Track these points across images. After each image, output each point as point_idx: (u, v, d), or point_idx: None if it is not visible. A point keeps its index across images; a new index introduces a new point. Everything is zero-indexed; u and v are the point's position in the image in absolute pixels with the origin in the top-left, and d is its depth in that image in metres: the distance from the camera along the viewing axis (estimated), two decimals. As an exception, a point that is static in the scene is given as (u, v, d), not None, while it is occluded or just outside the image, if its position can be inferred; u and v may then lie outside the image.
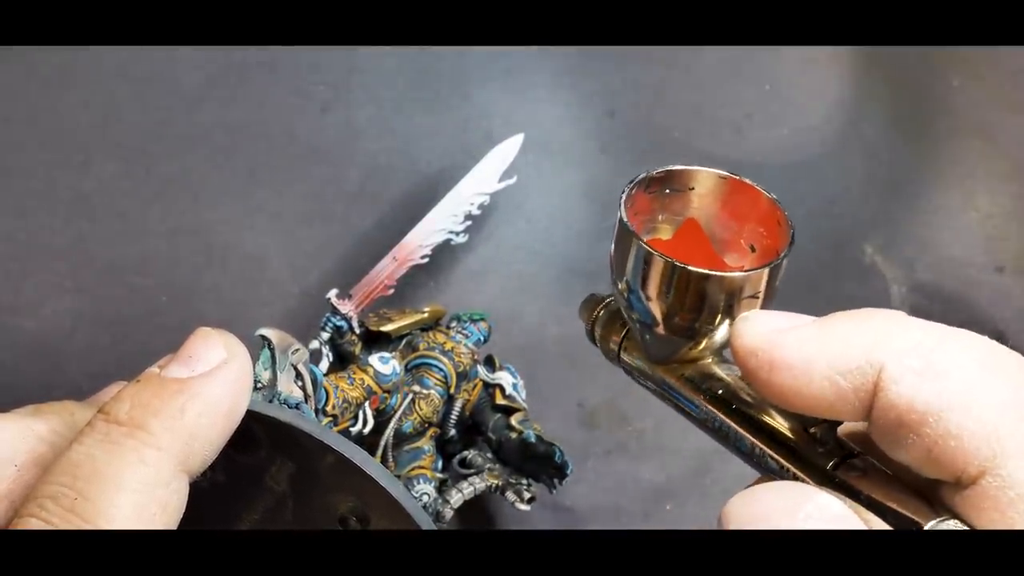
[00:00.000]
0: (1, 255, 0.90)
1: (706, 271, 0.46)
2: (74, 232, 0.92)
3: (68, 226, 0.92)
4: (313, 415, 0.62)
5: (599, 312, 0.57)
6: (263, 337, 0.61)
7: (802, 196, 1.01)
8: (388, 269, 0.83)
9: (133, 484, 0.42)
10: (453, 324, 0.81)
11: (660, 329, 0.50)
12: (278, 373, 0.58)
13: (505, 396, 0.80)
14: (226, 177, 0.96)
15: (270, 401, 0.56)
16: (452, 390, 0.76)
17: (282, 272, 0.93)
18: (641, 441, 0.88)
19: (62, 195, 0.93)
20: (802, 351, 0.43)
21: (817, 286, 0.96)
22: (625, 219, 0.48)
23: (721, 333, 0.49)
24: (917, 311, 0.93)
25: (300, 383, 0.61)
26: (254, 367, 0.49)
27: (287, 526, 0.53)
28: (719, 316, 0.48)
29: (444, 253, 0.87)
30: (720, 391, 0.50)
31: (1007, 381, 0.40)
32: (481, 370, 0.80)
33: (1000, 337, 0.91)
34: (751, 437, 0.47)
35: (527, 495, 0.75)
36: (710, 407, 0.50)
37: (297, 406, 0.56)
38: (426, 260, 0.84)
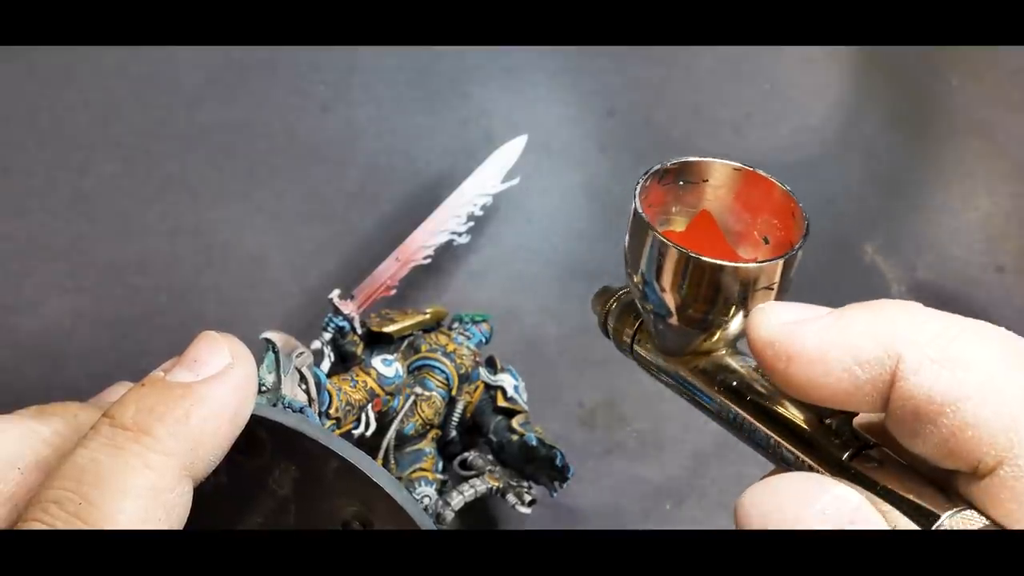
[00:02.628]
0: (1, 255, 0.90)
1: (721, 262, 0.46)
2: (74, 232, 0.92)
3: (68, 226, 0.92)
4: (317, 419, 0.62)
5: (612, 304, 0.57)
6: (267, 340, 0.61)
7: (802, 196, 1.00)
8: (391, 270, 0.83)
9: (138, 489, 0.42)
10: (455, 325, 0.81)
11: (674, 320, 0.49)
12: (282, 376, 0.58)
13: (507, 398, 0.79)
14: (226, 177, 0.96)
15: (274, 405, 0.56)
16: (454, 392, 0.76)
17: (282, 272, 0.93)
18: (640, 441, 0.88)
19: (62, 195, 0.93)
20: (819, 342, 0.43)
21: (817, 286, 0.95)
22: (640, 210, 0.48)
23: (735, 325, 0.48)
24: (917, 311, 0.93)
25: (304, 386, 0.61)
26: (258, 370, 0.49)
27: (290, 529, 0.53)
28: (733, 308, 0.47)
29: (445, 253, 0.87)
30: (734, 383, 0.49)
31: None
32: (483, 372, 0.80)
33: (1000, 337, 0.92)
34: (766, 428, 0.47)
35: (528, 497, 0.75)
36: (724, 399, 0.49)
37: (301, 410, 0.55)
38: (428, 261, 0.84)
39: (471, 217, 0.87)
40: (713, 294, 0.47)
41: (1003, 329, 0.42)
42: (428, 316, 0.81)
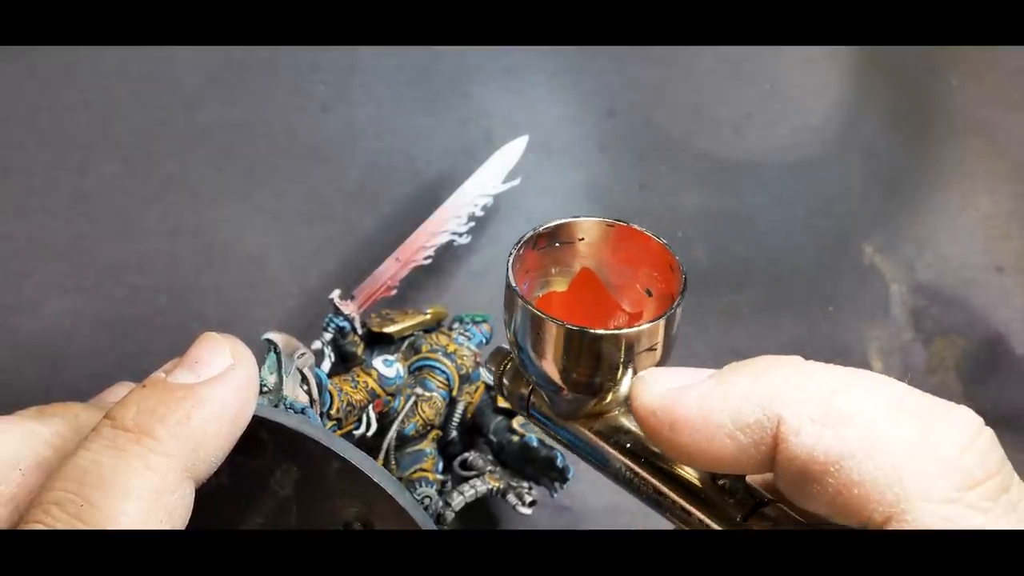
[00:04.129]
0: (1, 255, 0.90)
1: (599, 331, 0.46)
2: (74, 232, 0.92)
3: (68, 226, 0.92)
4: (319, 420, 0.62)
5: (506, 365, 0.57)
6: (269, 341, 0.61)
7: (802, 196, 1.01)
8: (391, 270, 0.83)
9: (139, 491, 0.42)
10: (455, 326, 0.81)
11: (560, 388, 0.49)
12: (284, 377, 0.58)
13: (507, 399, 0.79)
14: (226, 177, 0.96)
15: (276, 406, 0.56)
16: (454, 392, 0.76)
17: (282, 272, 0.93)
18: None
19: (62, 195, 0.93)
20: (700, 409, 0.43)
21: (817, 286, 0.96)
22: (513, 283, 0.48)
23: (625, 385, 0.48)
24: (917, 311, 0.94)
25: (306, 387, 0.61)
26: (260, 371, 0.49)
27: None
28: (619, 370, 0.47)
29: (445, 253, 0.87)
30: (629, 444, 0.49)
31: (911, 420, 0.40)
32: (483, 372, 0.80)
33: (1000, 337, 0.92)
34: (663, 488, 0.47)
35: (528, 498, 0.75)
36: (622, 459, 0.49)
37: (303, 411, 0.56)
38: (429, 261, 0.84)
39: (472, 217, 0.87)
40: (595, 362, 0.47)
41: (884, 377, 0.42)
42: (429, 316, 0.81)
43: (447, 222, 0.86)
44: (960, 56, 1.07)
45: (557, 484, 0.76)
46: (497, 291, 0.92)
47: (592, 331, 0.46)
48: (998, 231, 1.00)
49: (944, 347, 0.92)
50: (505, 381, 0.57)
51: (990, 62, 1.07)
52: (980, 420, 0.41)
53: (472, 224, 0.86)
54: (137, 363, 0.86)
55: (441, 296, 0.92)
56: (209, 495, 0.46)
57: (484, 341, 0.81)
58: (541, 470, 0.76)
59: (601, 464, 0.51)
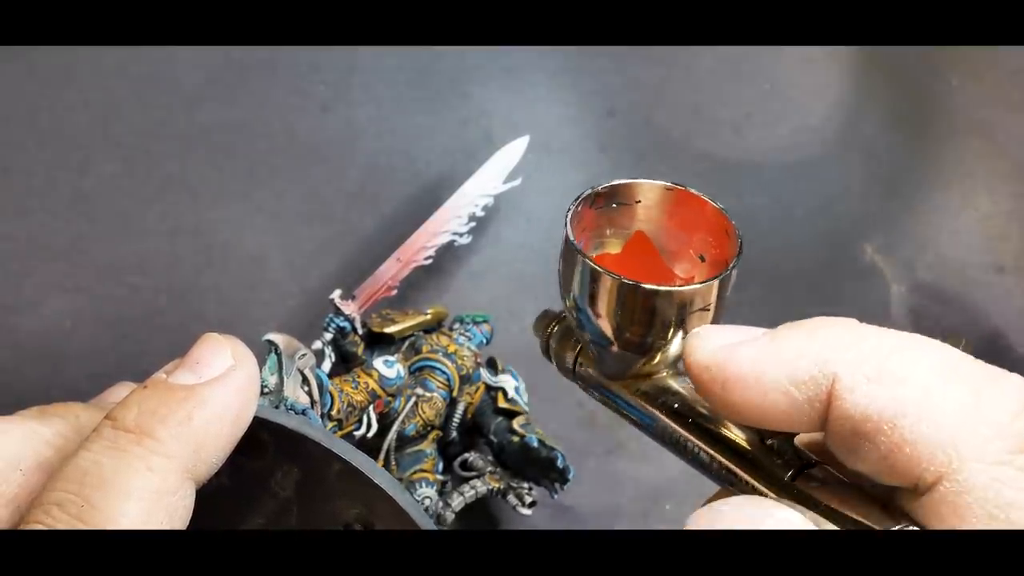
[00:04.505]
0: (1, 255, 0.90)
1: (654, 286, 0.46)
2: (74, 232, 0.92)
3: (68, 226, 0.92)
4: (319, 421, 0.62)
5: (553, 328, 0.57)
6: (270, 342, 0.61)
7: (802, 196, 1.01)
8: (392, 270, 0.83)
9: (140, 492, 0.42)
10: (456, 326, 0.81)
11: (612, 346, 0.49)
12: (285, 378, 0.58)
13: (507, 400, 0.79)
14: (226, 177, 0.96)
15: (276, 407, 0.56)
16: (455, 393, 0.76)
17: (282, 272, 0.93)
18: (641, 441, 0.88)
19: (62, 195, 0.93)
20: (754, 365, 0.43)
21: (817, 286, 0.96)
22: (572, 237, 0.48)
23: (675, 347, 0.48)
24: (917, 311, 0.94)
25: (307, 388, 0.61)
26: (261, 372, 0.49)
27: (291, 532, 0.53)
28: (671, 330, 0.47)
29: (445, 254, 0.87)
30: (676, 405, 0.49)
31: (964, 385, 0.40)
32: (484, 373, 0.80)
33: (1000, 337, 0.92)
34: (709, 450, 0.47)
35: (528, 499, 0.75)
36: (667, 421, 0.49)
37: (304, 412, 0.55)
38: (430, 261, 0.84)
39: (472, 218, 0.87)
40: (648, 318, 0.47)
41: (938, 342, 0.42)
42: (429, 317, 0.81)
43: (448, 222, 0.86)
44: (960, 56, 1.07)
45: (557, 485, 0.76)
46: (496, 290, 0.93)
47: (647, 286, 0.46)
48: (998, 231, 1.00)
49: (944, 347, 0.92)
50: (552, 344, 0.56)
51: (990, 62, 1.07)
52: None
53: (473, 224, 0.86)
54: (137, 363, 0.86)
55: (441, 296, 0.92)
56: (210, 496, 0.46)
57: (484, 342, 0.81)
58: (541, 471, 0.76)
59: (647, 425, 0.50)
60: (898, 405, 0.40)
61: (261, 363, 0.50)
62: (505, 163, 0.89)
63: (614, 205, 0.51)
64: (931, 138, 1.05)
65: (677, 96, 1.05)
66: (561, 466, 0.75)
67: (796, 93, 1.06)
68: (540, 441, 0.76)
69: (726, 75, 1.06)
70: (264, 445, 0.50)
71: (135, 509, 0.41)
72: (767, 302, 0.95)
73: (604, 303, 0.47)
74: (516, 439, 0.76)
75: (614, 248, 0.52)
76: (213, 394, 0.46)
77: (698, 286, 0.46)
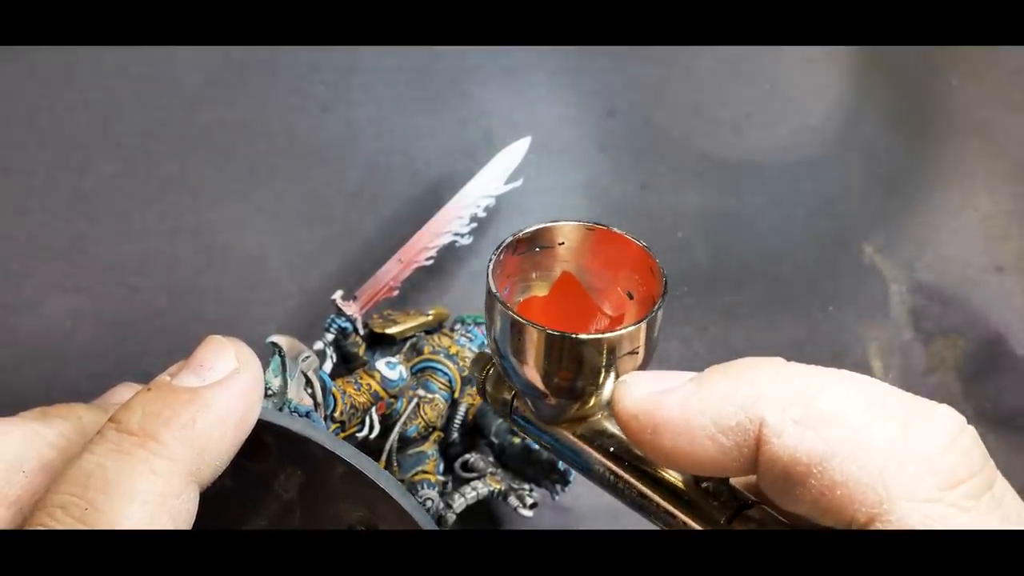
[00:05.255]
0: (1, 255, 0.90)
1: (580, 336, 0.46)
2: (74, 232, 0.92)
3: (68, 226, 0.92)
4: (323, 424, 0.62)
5: (489, 370, 0.57)
6: (274, 344, 0.61)
7: (802, 196, 1.01)
8: (393, 271, 0.82)
9: (144, 495, 0.42)
10: (457, 327, 0.81)
11: (543, 394, 0.49)
12: (288, 380, 0.58)
13: (510, 401, 0.79)
14: (226, 177, 0.96)
15: (280, 409, 0.56)
16: (456, 395, 0.76)
17: (282, 272, 0.93)
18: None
19: (62, 195, 0.93)
20: (681, 412, 0.43)
21: (817, 286, 0.96)
22: (493, 288, 0.48)
23: (608, 389, 0.48)
24: (917, 311, 0.94)
25: (310, 390, 0.61)
26: (265, 374, 0.49)
27: (294, 533, 0.53)
28: (602, 374, 0.47)
29: (446, 254, 0.87)
30: (612, 448, 0.49)
31: (892, 420, 0.40)
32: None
33: (1000, 337, 0.92)
34: (647, 491, 0.47)
35: (529, 500, 0.75)
36: (605, 463, 0.49)
37: (307, 414, 0.55)
38: (431, 262, 0.84)
39: (474, 218, 0.87)
40: (577, 366, 0.47)
41: (867, 377, 0.42)
42: (430, 318, 0.81)
43: (450, 223, 0.86)
44: (960, 56, 1.07)
45: (558, 487, 0.76)
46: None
47: (573, 336, 0.46)
48: (998, 231, 1.00)
49: (944, 347, 0.92)
50: (488, 387, 0.56)
51: (990, 62, 1.07)
52: (962, 419, 0.41)
53: (474, 225, 0.86)
54: (137, 363, 0.87)
55: (442, 297, 0.92)
56: (212, 497, 0.46)
57: (485, 343, 0.81)
58: (543, 472, 0.76)
59: (584, 468, 0.51)
60: (826, 446, 0.40)
61: (264, 365, 0.50)
62: (507, 164, 0.89)
63: (537, 249, 0.51)
64: (931, 138, 1.05)
65: (677, 96, 1.05)
66: (562, 468, 0.75)
67: (796, 93, 1.06)
68: (541, 443, 0.76)
69: (726, 75, 1.06)
70: (268, 447, 0.50)
71: (139, 512, 0.41)
72: (767, 302, 0.95)
73: (531, 354, 0.47)
74: (517, 440, 0.76)
75: (541, 291, 0.52)
76: (217, 397, 0.46)
77: (625, 331, 0.46)
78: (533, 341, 0.47)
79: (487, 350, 0.57)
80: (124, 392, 0.61)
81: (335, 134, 0.99)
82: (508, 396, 0.55)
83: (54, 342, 0.88)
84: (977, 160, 1.04)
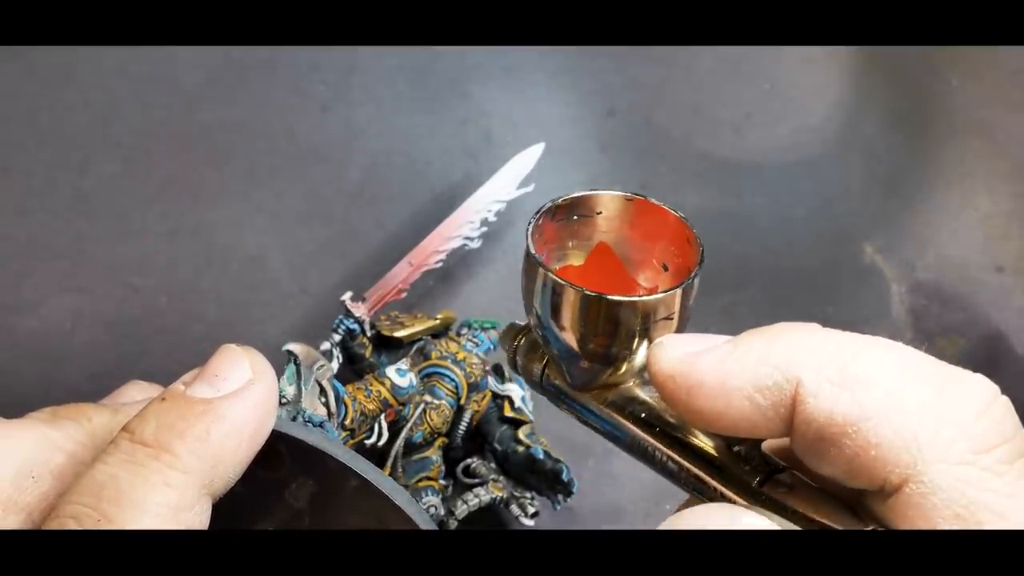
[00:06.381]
0: (1, 255, 0.90)
1: (617, 297, 0.46)
2: (74, 232, 0.91)
3: (68, 226, 0.92)
4: (336, 435, 0.62)
5: (520, 340, 0.57)
6: (289, 352, 0.60)
7: (802, 196, 1.01)
8: (403, 274, 0.82)
9: (157, 507, 0.42)
10: (464, 331, 0.81)
11: (578, 358, 0.49)
12: (303, 389, 0.58)
13: (513, 408, 0.79)
14: (226, 177, 0.96)
15: (294, 418, 0.56)
16: (463, 401, 0.76)
17: (282, 272, 0.93)
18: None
19: (62, 195, 0.93)
20: (718, 372, 0.43)
21: (817, 286, 0.96)
22: (533, 251, 0.48)
23: (640, 356, 0.48)
24: (917, 311, 0.94)
25: (323, 399, 0.61)
26: (279, 382, 0.49)
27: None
28: (636, 340, 0.47)
29: (452, 257, 0.87)
30: (643, 414, 0.49)
31: (927, 386, 0.40)
32: (491, 381, 0.80)
33: (1000, 337, 0.92)
34: (677, 457, 0.47)
35: (531, 509, 0.75)
36: (635, 430, 0.49)
37: (321, 424, 0.55)
38: (440, 265, 0.84)
39: (485, 223, 0.87)
40: (613, 329, 0.47)
41: (900, 344, 0.42)
42: (438, 322, 0.81)
43: (460, 227, 0.86)
44: (960, 56, 1.07)
45: (561, 496, 0.76)
46: (496, 291, 0.93)
47: (610, 297, 0.46)
48: (998, 231, 1.00)
49: (944, 347, 0.92)
50: (519, 357, 0.56)
51: (990, 62, 1.08)
52: (996, 387, 0.41)
53: (484, 229, 0.86)
54: (137, 363, 0.86)
55: (440, 296, 0.92)
56: (223, 502, 0.46)
57: (492, 348, 0.81)
58: (546, 482, 0.76)
59: (615, 435, 0.51)
60: (861, 408, 0.40)
61: (278, 372, 0.50)
62: (519, 170, 0.89)
63: (575, 217, 0.51)
64: (931, 138, 1.05)
65: (677, 96, 1.05)
66: (566, 479, 0.75)
67: (796, 93, 1.06)
68: (546, 453, 0.76)
69: (726, 75, 1.06)
70: (281, 456, 0.50)
71: (151, 524, 0.41)
72: (767, 302, 0.95)
73: (568, 316, 0.47)
74: (521, 448, 0.76)
75: (577, 260, 0.52)
76: (231, 409, 0.45)
77: (661, 295, 0.46)
78: (571, 302, 0.47)
79: (517, 322, 0.57)
80: (132, 391, 0.61)
81: (335, 134, 0.99)
82: (539, 366, 0.55)
83: (54, 342, 0.88)
84: (977, 160, 1.04)
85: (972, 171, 1.03)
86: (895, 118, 1.06)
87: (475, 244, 0.86)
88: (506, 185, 0.89)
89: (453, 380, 0.76)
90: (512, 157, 0.90)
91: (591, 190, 0.51)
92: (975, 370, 0.41)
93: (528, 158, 0.91)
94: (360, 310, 0.78)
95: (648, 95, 1.05)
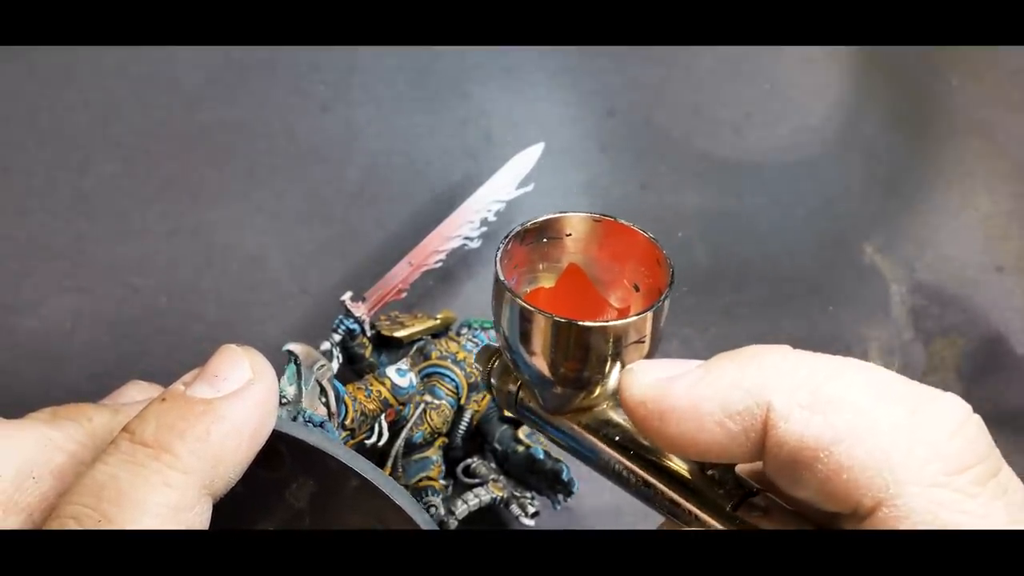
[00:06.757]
0: (1, 255, 0.90)
1: (587, 323, 0.46)
2: (74, 232, 0.91)
3: (68, 226, 0.92)
4: (337, 435, 0.62)
5: (494, 362, 0.57)
6: (290, 352, 0.60)
7: (802, 196, 1.01)
8: (403, 274, 0.82)
9: (157, 507, 0.42)
10: (463, 331, 0.81)
11: (549, 383, 0.49)
12: (303, 389, 0.58)
13: (514, 409, 0.79)
14: (226, 177, 0.96)
15: (294, 418, 0.56)
16: (463, 401, 0.76)
17: (282, 272, 0.93)
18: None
19: (62, 195, 0.93)
20: (690, 398, 0.43)
21: (817, 286, 0.96)
22: (501, 276, 0.48)
23: (613, 379, 0.48)
24: (917, 311, 0.94)
25: (324, 399, 0.61)
26: (279, 382, 0.49)
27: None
28: (608, 364, 0.47)
29: (453, 258, 0.87)
30: (618, 437, 0.49)
31: (899, 406, 0.40)
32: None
33: (1000, 337, 0.92)
34: (652, 480, 0.47)
35: (531, 509, 0.75)
36: (610, 452, 0.49)
37: (321, 424, 0.55)
38: (440, 265, 0.84)
39: (484, 222, 0.87)
40: (583, 354, 0.47)
41: (871, 365, 0.42)
42: (438, 322, 0.81)
43: (460, 227, 0.86)
44: (960, 56, 1.07)
45: (561, 496, 0.76)
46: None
47: (580, 323, 0.46)
48: (998, 231, 1.00)
49: (944, 347, 0.92)
50: (493, 379, 0.56)
51: (990, 62, 1.08)
52: (968, 407, 0.41)
53: (484, 229, 0.86)
54: (137, 363, 0.86)
55: (440, 296, 0.92)
56: (223, 501, 0.46)
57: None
58: (546, 482, 0.76)
59: (590, 458, 0.51)
60: (833, 431, 0.40)
61: (278, 372, 0.50)
62: (519, 169, 0.89)
63: (544, 240, 0.51)
64: (931, 138, 1.05)
65: (677, 96, 1.05)
66: (566, 478, 0.75)
67: (796, 93, 1.06)
68: (546, 453, 0.76)
69: (726, 75, 1.06)
70: (281, 456, 0.50)
71: (152, 525, 0.41)
72: (767, 302, 0.95)
73: (538, 342, 0.47)
74: (521, 448, 0.76)
75: (548, 282, 0.53)
76: (232, 409, 0.45)
77: (632, 319, 0.46)
78: (541, 328, 0.47)
79: (493, 343, 0.57)
80: (132, 391, 0.61)
81: (335, 134, 0.99)
82: (513, 387, 0.55)
83: (54, 342, 0.88)
84: (977, 160, 1.04)
85: (972, 171, 1.03)
86: (895, 118, 1.06)
87: (475, 244, 0.86)
88: (506, 185, 0.89)
89: (453, 380, 0.76)
90: (512, 157, 0.90)
91: (559, 212, 0.51)
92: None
93: (528, 158, 0.91)
94: (360, 310, 0.78)
95: (648, 95, 1.05)
